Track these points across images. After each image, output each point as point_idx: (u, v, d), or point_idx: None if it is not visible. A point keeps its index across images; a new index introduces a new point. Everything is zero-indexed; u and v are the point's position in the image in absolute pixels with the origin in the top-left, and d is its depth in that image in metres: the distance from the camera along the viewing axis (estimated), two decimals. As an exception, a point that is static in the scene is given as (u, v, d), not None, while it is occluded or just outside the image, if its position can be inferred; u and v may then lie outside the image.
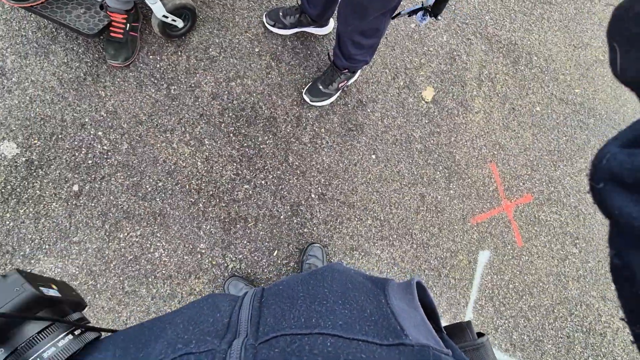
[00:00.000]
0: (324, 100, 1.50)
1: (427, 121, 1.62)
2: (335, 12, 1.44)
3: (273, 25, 1.51)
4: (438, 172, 1.58)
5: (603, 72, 1.90)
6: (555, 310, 1.58)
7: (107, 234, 1.25)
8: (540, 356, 1.51)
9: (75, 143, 1.29)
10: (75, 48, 1.34)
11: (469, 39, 1.75)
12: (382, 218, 1.49)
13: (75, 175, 1.27)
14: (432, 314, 0.38)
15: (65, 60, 1.33)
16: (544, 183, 1.70)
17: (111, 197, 1.28)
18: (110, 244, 1.25)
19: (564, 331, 1.56)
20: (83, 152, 1.29)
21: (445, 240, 1.53)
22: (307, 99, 1.49)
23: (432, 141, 1.60)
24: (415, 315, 0.35)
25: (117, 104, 1.34)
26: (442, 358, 0.27)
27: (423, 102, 1.63)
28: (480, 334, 0.41)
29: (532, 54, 1.82)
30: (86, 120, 1.31)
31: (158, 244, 1.29)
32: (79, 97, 1.32)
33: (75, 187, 1.26)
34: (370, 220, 1.48)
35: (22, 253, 1.19)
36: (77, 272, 1.22)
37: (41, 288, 0.34)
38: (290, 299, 0.35)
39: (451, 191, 1.58)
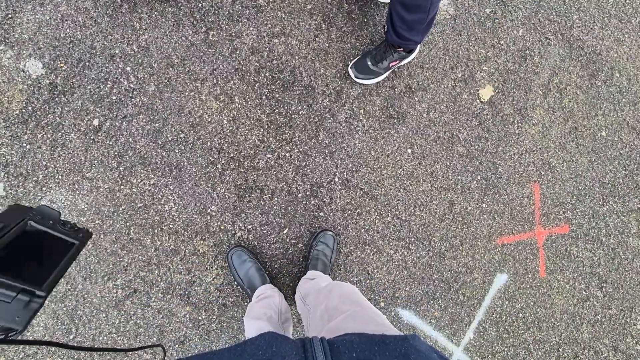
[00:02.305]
0: (370, 79, 1.38)
1: (477, 123, 1.49)
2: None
3: (332, -18, 1.36)
4: (475, 182, 1.48)
5: (691, 107, 1.69)
6: (560, 350, 1.53)
7: (121, 176, 1.24)
8: (533, 392, 1.50)
9: (102, 75, 1.24)
10: (115, -32, 1.25)
11: (548, 39, 1.56)
12: (403, 218, 1.43)
13: (97, 109, 1.23)
14: None
15: (103, -19, 1.24)
16: (587, 216, 1.58)
17: (130, 139, 1.25)
18: (122, 187, 1.24)
19: (563, 371, 1.53)
20: (109, 85, 1.24)
21: (465, 254, 1.47)
22: (352, 74, 1.37)
23: (477, 146, 1.49)
24: None
25: (151, 40, 1.27)
26: None
27: (478, 101, 1.49)
28: None
29: (615, 69, 1.62)
30: (116, 51, 1.25)
31: (170, 197, 1.27)
32: (112, 25, 1.25)
33: (96, 122, 1.23)
34: (391, 218, 1.42)
35: (35, 179, 1.19)
36: (85, 209, 1.22)
37: None
38: None
39: (484, 205, 1.49)
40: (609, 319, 1.58)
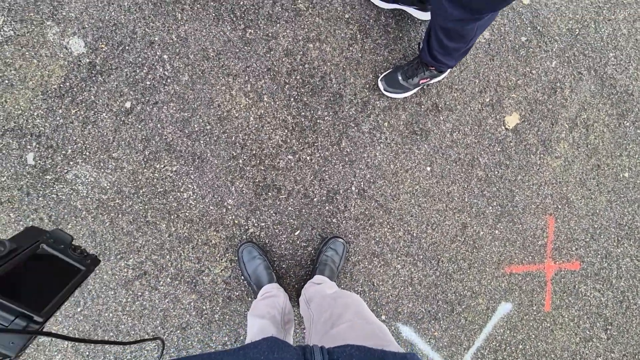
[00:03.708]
0: (398, 93, 1.41)
1: (499, 149, 1.51)
2: None
3: (373, -6, 1.40)
4: (490, 207, 1.50)
5: None
6: (557, 387, 1.54)
7: (145, 159, 1.29)
8: None
9: (140, 60, 1.29)
10: (165, -42, 1.30)
11: (580, 73, 1.58)
12: (414, 234, 1.45)
13: (131, 92, 1.29)
14: None
15: (152, -31, 1.30)
16: (599, 256, 1.58)
17: (158, 125, 1.30)
18: (145, 170, 1.29)
19: (557, 409, 1.53)
20: (145, 71, 1.30)
21: (472, 278, 1.49)
22: (381, 87, 1.41)
23: (496, 172, 1.51)
24: None
25: (190, 32, 1.32)
26: None
27: (503, 127, 1.51)
28: None
29: (645, 111, 1.63)
30: (156, 39, 1.30)
31: (189, 186, 1.31)
32: (155, 13, 1.30)
33: (128, 104, 1.28)
34: (402, 233, 1.44)
35: (64, 152, 1.25)
36: (107, 187, 1.27)
37: None
38: None
39: (496, 231, 1.51)
40: (610, 363, 1.58)
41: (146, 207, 1.29)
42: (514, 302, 1.52)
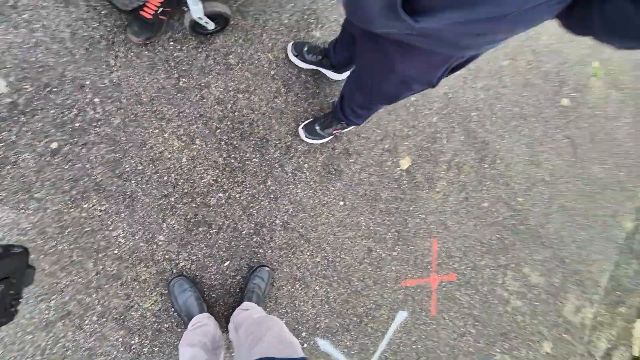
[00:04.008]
0: (316, 140, 1.69)
1: (396, 186, 1.88)
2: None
3: (296, 56, 1.67)
4: (389, 233, 1.85)
5: (542, 191, 2.33)
6: (441, 376, 1.93)
7: (72, 200, 1.31)
8: (416, 411, 1.85)
9: (69, 102, 1.33)
10: (98, 8, 1.38)
11: (453, 127, 2.07)
12: (330, 259, 1.72)
13: (59, 133, 1.31)
14: None
15: (85, 17, 1.36)
16: (469, 268, 2.06)
17: (87, 166, 1.34)
18: (72, 210, 1.31)
19: (441, 394, 1.92)
20: (73, 112, 1.34)
21: (376, 293, 1.80)
22: (302, 134, 1.67)
23: (394, 205, 1.87)
24: None
25: (123, 78, 1.41)
26: None
27: (398, 169, 1.90)
28: None
29: (497, 157, 2.19)
30: (87, 82, 1.36)
31: (119, 224, 1.37)
32: (87, 58, 1.36)
33: (54, 145, 1.30)
34: (319, 258, 1.69)
35: (-23, 194, 1.21)
36: (28, 228, 1.26)
37: None
38: None
39: (394, 253, 1.86)
40: (478, 352, 2.04)
41: (72, 246, 1.31)
42: (408, 310, 1.88)
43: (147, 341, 1.38)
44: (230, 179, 1.55)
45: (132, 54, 1.42)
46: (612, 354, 2.57)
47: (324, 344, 1.68)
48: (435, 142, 2.01)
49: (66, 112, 1.32)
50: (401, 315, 1.86)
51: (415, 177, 1.94)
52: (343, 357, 1.72)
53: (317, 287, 1.68)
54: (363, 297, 1.78)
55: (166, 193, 1.44)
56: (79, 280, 1.31)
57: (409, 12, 0.67)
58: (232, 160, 1.56)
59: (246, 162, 1.58)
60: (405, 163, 1.92)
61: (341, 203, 1.76)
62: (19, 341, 1.24)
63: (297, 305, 1.64)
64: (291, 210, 1.65)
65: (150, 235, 1.41)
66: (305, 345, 1.66)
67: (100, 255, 1.34)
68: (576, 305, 2.40)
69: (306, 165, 1.69)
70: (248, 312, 1.31)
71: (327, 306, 1.70)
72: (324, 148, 1.73)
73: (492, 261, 2.13)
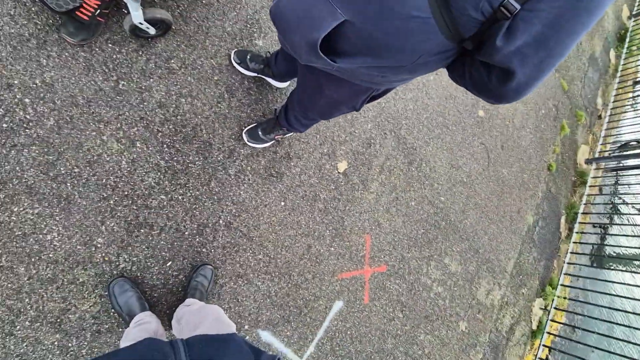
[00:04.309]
0: (259, 144, 1.80)
1: (334, 187, 2.07)
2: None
3: (239, 64, 1.76)
4: (328, 231, 2.03)
5: (461, 191, 2.70)
6: (372, 357, 2.17)
7: (1, 203, 1.28)
8: (349, 389, 2.06)
9: (-5, 102, 1.29)
10: (28, 4, 1.35)
11: (385, 134, 2.31)
12: (271, 256, 1.85)
13: (-17, 135, 1.27)
14: None
15: (12, 13, 1.33)
16: (398, 260, 2.32)
17: (17, 168, 1.31)
18: (-1, 214, 1.28)
19: (372, 373, 2.16)
20: (0, 112, 1.30)
21: (314, 286, 1.97)
22: (245, 138, 1.77)
23: (332, 204, 2.06)
24: None
25: (57, 79, 1.39)
26: None
27: (336, 171, 2.08)
28: None
29: (423, 161, 2.49)
30: (15, 82, 1.32)
31: (54, 228, 1.36)
32: (15, 57, 1.33)
33: (-22, 147, 1.26)
34: (262, 256, 1.82)
35: None
36: (-52, 234, 1.21)
37: None
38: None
39: (332, 248, 2.05)
40: (405, 333, 2.33)
41: (0, 251, 1.28)
42: (344, 300, 2.08)
43: (86, 342, 1.40)
44: (173, 182, 1.60)
45: (66, 54, 1.41)
46: (515, 329, 3.05)
47: (266, 335, 1.81)
48: (369, 147, 2.23)
49: (-8, 113, 1.28)
50: (337, 305, 2.06)
51: (352, 179, 2.14)
52: (283, 346, 1.86)
53: (259, 283, 1.80)
54: (302, 290, 1.94)
55: (105, 195, 1.46)
56: (9, 285, 1.28)
57: (330, 53, 0.83)
58: (175, 163, 1.61)
59: (189, 165, 1.64)
60: (342, 166, 2.11)
61: (282, 203, 1.89)
62: (-62, 352, 1.19)
63: (239, 301, 1.75)
64: (234, 210, 1.75)
65: (88, 238, 1.42)
66: (247, 337, 1.78)
67: (32, 259, 1.32)
68: (487, 289, 2.82)
69: (249, 168, 1.80)
70: (190, 307, 1.39)
71: (268, 300, 1.83)
72: (266, 152, 1.85)
73: (418, 253, 2.42)
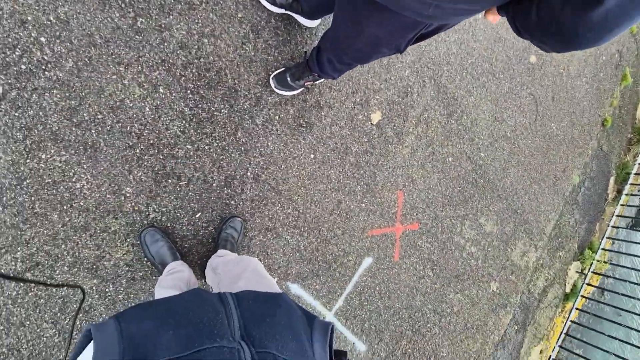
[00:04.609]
0: (287, 91, 1.67)
1: (366, 140, 1.94)
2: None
3: (265, -2, 1.58)
4: (359, 186, 1.94)
5: (504, 147, 2.49)
6: (400, 313, 2.17)
7: (28, 150, 1.26)
8: (377, 343, 2.09)
9: (9, 40, 1.21)
10: None
11: (424, 82, 2.10)
12: (300, 210, 1.79)
13: (2, 76, 1.21)
14: (330, 347, 0.66)
15: (18, -62, 1.20)
16: (431, 218, 2.23)
17: (41, 114, 1.27)
18: (28, 161, 1.26)
19: (400, 328, 2.17)
20: (17, 53, 1.23)
21: (344, 242, 1.93)
22: (273, 85, 1.64)
23: (364, 158, 1.94)
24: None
25: (72, 14, 1.29)
26: None
27: (369, 122, 1.94)
28: None
29: (464, 112, 2.28)
30: (29, 18, 1.23)
31: (82, 176, 1.34)
32: (27, -10, 1.22)
33: (-1, 90, 1.21)
34: (291, 210, 1.77)
35: None
36: (-19, 179, 1.21)
37: None
38: (262, 318, 0.61)
39: (363, 204, 1.97)
40: (434, 291, 2.29)
41: (33, 198, 1.27)
42: (373, 256, 2.04)
43: (122, 288, 1.43)
44: (199, 131, 1.52)
45: (79, -13, 1.29)
46: (548, 291, 2.97)
47: (295, 288, 1.82)
48: (406, 96, 2.04)
49: (8, 52, 1.21)
50: (367, 261, 2.02)
51: (385, 132, 2.00)
52: (312, 299, 1.87)
53: (288, 237, 1.77)
54: (332, 246, 1.90)
55: (130, 144, 1.41)
56: (45, 232, 1.30)
57: None
58: (200, 111, 1.52)
59: (215, 114, 1.55)
60: (376, 117, 1.96)
61: (312, 156, 1.79)
62: (-14, 292, 1.24)
63: (269, 254, 1.74)
64: (262, 162, 1.67)
65: (117, 187, 1.40)
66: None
67: (65, 207, 1.32)
68: (523, 250, 2.70)
69: (277, 117, 1.69)
70: (223, 257, 1.38)
71: (297, 254, 1.81)
72: (295, 100, 1.72)
73: (452, 212, 2.31)
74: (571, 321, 3.06)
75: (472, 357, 2.51)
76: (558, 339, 3.04)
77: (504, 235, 2.57)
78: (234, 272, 1.07)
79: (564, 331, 3.04)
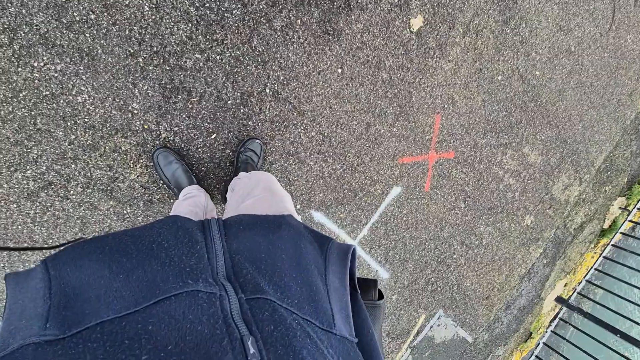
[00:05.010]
0: (311, -13, 1.38)
1: (403, 52, 1.66)
2: None
3: None
4: (391, 108, 1.72)
5: (564, 64, 2.12)
6: (426, 243, 2.11)
7: (17, 56, 1.11)
8: (401, 271, 2.07)
9: None
10: None
11: (480, -23, 1.71)
12: (325, 134, 1.63)
13: (-30, -38, 1.01)
14: (352, 276, 0.52)
15: None
16: (469, 146, 2.02)
17: (23, 11, 1.09)
18: (20, 69, 1.12)
19: (424, 258, 2.13)
20: None
21: (372, 170, 1.79)
22: (293, -22, 1.35)
23: (399, 75, 1.69)
24: (343, 295, 0.47)
25: None
26: (352, 347, 0.41)
27: (408, 30, 1.63)
28: (380, 296, 0.57)
29: (523, 19, 1.90)
30: None
31: (83, 88, 1.20)
32: None
33: (-30, -21, 1.02)
34: (314, 133, 1.60)
35: None
36: (-27, 90, 1.10)
37: None
38: (257, 250, 0.47)
39: (394, 129, 1.77)
40: (464, 223, 2.19)
41: (33, 112, 1.17)
42: (402, 186, 1.91)
43: (140, 211, 1.39)
44: (208, 37, 1.31)
45: None
46: (585, 227, 2.82)
47: (318, 216, 1.75)
48: (455, -3, 1.69)
49: None
50: (395, 191, 1.90)
51: (427, 42, 1.69)
52: (336, 227, 1.81)
53: (311, 163, 1.64)
54: (358, 173, 1.77)
55: (132, 51, 1.23)
56: (52, 150, 1.22)
57: None
58: (208, 11, 1.29)
59: (225, 15, 1.31)
60: (417, 23, 1.64)
61: (339, 71, 1.56)
62: (4, 209, 1.22)
63: (290, 180, 1.63)
64: (282, 77, 1.47)
65: (122, 102, 1.26)
66: (299, 217, 1.72)
67: (68, 123, 1.22)
68: (566, 183, 2.49)
69: (299, 21, 1.43)
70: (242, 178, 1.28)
71: (321, 181, 1.70)
72: (320, -1, 1.43)
73: (494, 139, 2.07)
74: (604, 257, 2.96)
75: (496, 287, 2.50)
76: (586, 274, 2.98)
77: (547, 167, 2.34)
78: (246, 188, 0.93)
79: (594, 266, 2.96)
